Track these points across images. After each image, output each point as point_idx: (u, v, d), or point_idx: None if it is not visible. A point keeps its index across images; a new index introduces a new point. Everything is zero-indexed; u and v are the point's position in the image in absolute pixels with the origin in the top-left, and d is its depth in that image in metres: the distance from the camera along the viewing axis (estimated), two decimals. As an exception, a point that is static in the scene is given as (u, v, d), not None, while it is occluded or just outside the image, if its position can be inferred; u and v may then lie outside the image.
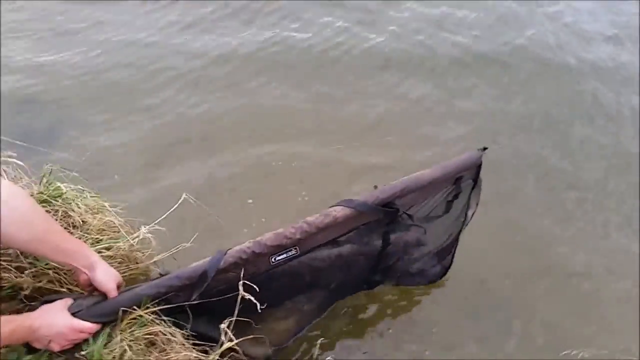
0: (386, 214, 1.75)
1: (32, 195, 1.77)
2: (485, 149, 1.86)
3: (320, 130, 3.20)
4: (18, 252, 1.57)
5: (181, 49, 3.77)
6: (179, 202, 1.97)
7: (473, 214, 2.01)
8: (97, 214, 1.88)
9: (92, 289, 1.47)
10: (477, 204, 1.99)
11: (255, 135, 3.11)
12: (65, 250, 1.37)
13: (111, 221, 1.88)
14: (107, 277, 1.44)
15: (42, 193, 1.83)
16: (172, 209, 1.95)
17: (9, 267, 1.57)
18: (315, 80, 3.58)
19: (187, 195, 1.97)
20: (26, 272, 1.58)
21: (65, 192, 1.86)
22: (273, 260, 1.64)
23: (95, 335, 1.42)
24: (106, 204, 1.94)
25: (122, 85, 3.45)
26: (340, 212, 1.68)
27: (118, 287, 1.48)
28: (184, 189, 2.02)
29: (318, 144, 3.09)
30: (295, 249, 1.66)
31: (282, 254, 1.65)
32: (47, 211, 1.67)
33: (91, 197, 1.95)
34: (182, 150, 3.00)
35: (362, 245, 1.85)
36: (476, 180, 1.93)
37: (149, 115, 3.22)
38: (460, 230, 2.06)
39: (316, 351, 1.99)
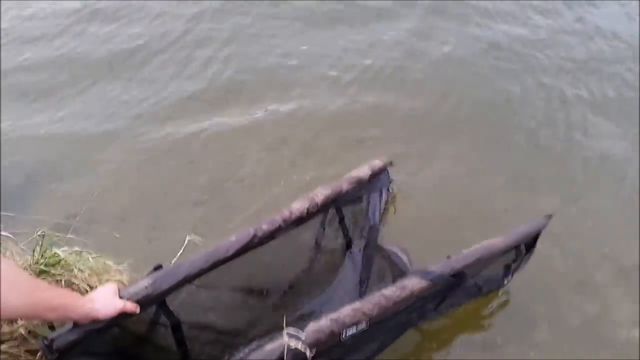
0: (456, 282, 1.69)
1: (27, 268, 1.63)
2: (551, 216, 1.84)
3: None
4: None
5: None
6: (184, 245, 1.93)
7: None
8: (102, 275, 1.76)
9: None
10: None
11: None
12: (59, 307, 1.26)
13: (120, 281, 1.77)
14: (108, 311, 1.37)
15: (37, 263, 1.66)
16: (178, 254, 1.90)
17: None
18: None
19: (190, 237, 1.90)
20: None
21: (64, 258, 1.71)
22: (344, 336, 1.54)
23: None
24: (110, 263, 1.82)
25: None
26: (416, 285, 1.60)
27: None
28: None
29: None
30: (366, 322, 1.57)
31: (353, 329, 1.55)
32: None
33: (92, 258, 1.80)
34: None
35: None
36: (533, 246, 1.90)
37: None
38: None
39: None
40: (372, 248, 2.16)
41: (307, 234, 2.04)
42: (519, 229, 1.78)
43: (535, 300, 2.16)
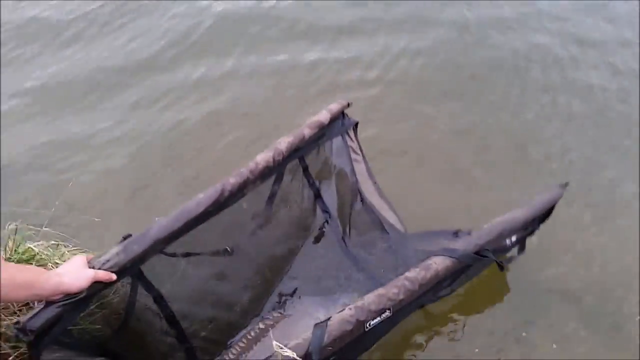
0: (480, 259, 1.59)
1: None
2: (567, 184, 1.76)
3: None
4: None
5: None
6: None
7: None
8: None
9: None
10: None
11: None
12: (24, 284, 1.18)
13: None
14: (78, 282, 1.29)
15: (10, 258, 1.54)
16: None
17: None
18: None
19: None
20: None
21: (38, 252, 1.60)
22: (367, 326, 1.42)
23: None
24: (91, 256, 1.64)
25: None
26: (441, 264, 1.49)
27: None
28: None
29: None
30: (390, 309, 1.45)
31: (377, 318, 1.43)
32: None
33: (70, 251, 1.70)
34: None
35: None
36: (548, 215, 1.83)
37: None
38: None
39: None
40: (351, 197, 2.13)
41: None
42: (538, 200, 1.71)
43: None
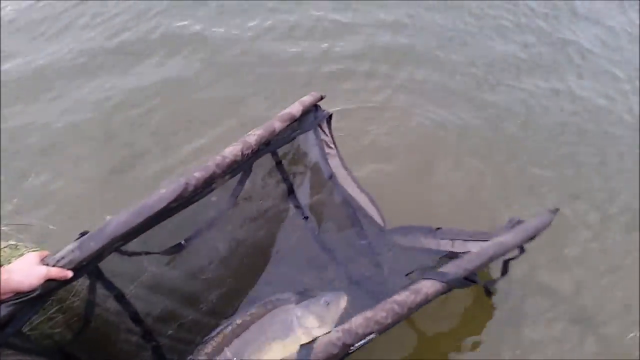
0: (468, 283, 1.56)
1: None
2: (557, 210, 1.75)
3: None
4: None
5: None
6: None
7: None
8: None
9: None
10: None
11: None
12: None
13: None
14: (29, 280, 1.24)
15: None
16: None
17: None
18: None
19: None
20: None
21: None
22: (352, 348, 1.36)
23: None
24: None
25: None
26: (431, 288, 1.44)
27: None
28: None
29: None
30: (377, 332, 1.40)
31: (362, 341, 1.38)
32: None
33: (30, 251, 1.55)
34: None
35: None
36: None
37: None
38: None
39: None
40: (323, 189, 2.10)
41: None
42: (528, 225, 1.67)
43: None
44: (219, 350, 1.66)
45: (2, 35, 3.35)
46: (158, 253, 1.68)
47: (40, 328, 1.40)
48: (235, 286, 1.93)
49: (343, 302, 1.73)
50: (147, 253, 1.63)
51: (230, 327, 1.73)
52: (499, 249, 1.58)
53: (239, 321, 1.74)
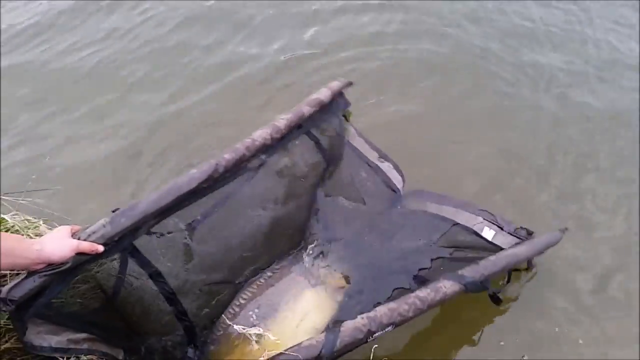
0: (483, 287, 1.66)
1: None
2: (566, 229, 1.87)
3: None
4: None
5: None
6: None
7: None
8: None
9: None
10: None
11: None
12: (4, 252, 1.12)
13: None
14: (60, 252, 1.25)
15: None
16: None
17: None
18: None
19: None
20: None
21: (13, 225, 1.54)
22: (371, 337, 1.45)
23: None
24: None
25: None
26: (450, 288, 1.54)
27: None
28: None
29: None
30: (395, 324, 1.49)
31: (383, 330, 1.47)
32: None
33: (46, 226, 1.62)
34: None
35: None
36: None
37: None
38: None
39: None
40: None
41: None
42: (540, 241, 1.79)
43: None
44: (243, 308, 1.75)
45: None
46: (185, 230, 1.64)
47: (66, 297, 1.38)
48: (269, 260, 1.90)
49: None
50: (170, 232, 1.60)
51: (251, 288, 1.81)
52: (512, 259, 1.69)
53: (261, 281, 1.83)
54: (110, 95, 2.91)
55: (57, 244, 1.25)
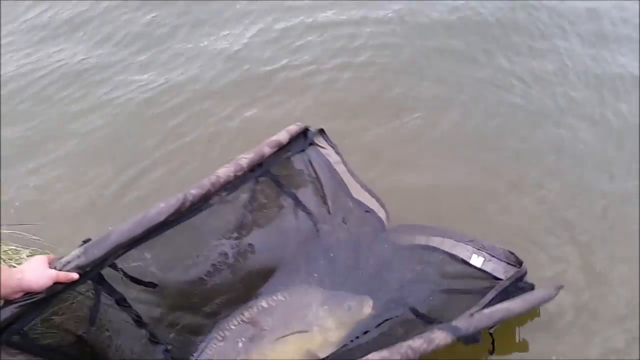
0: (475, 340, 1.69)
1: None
2: (562, 286, 1.90)
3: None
4: None
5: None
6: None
7: None
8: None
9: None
10: None
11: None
12: None
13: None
14: (42, 280, 1.31)
15: None
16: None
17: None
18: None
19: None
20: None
21: None
22: None
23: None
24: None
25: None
26: (442, 340, 1.57)
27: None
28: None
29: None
30: None
31: None
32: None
33: (29, 256, 1.72)
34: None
35: None
36: None
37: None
38: None
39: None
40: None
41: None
42: (535, 296, 1.82)
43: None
44: (233, 337, 1.83)
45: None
46: (148, 284, 1.75)
47: (41, 328, 1.44)
48: (244, 292, 1.98)
49: (367, 307, 1.88)
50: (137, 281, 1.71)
51: (248, 312, 1.90)
52: (506, 314, 1.71)
53: (264, 304, 1.91)
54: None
55: (37, 273, 1.31)
